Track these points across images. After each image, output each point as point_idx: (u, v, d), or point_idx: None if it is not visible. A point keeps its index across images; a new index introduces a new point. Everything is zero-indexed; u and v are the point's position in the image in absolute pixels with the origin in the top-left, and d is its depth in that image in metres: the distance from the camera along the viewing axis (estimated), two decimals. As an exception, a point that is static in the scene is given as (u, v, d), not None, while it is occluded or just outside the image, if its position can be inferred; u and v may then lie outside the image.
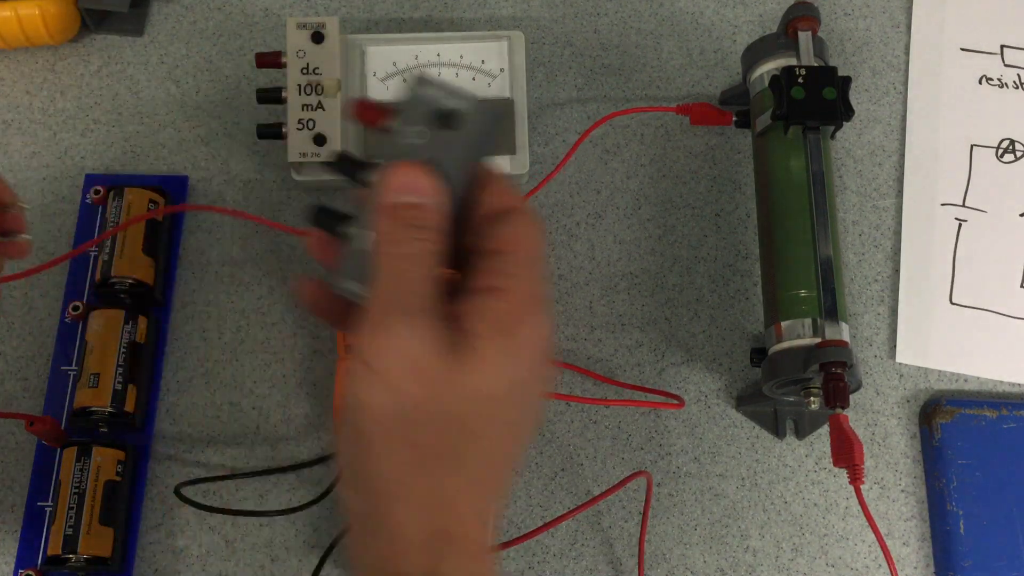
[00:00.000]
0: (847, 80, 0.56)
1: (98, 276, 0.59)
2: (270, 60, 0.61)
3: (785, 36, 0.59)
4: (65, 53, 0.67)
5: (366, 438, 0.29)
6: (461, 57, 0.64)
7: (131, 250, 0.59)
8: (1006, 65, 0.68)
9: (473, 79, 0.64)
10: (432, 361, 0.29)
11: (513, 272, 0.31)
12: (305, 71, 0.60)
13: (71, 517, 0.54)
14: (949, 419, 0.60)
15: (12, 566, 0.56)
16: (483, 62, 0.64)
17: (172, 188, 0.63)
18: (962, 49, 0.69)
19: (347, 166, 0.38)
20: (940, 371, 0.62)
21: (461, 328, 0.30)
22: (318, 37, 0.60)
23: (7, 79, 0.66)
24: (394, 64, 0.64)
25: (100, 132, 0.65)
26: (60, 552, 0.53)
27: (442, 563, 0.29)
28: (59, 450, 0.57)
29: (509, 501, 0.35)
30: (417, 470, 0.29)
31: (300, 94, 0.60)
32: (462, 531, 0.30)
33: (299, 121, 0.59)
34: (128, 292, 0.59)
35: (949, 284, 0.64)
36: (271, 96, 0.61)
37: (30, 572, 0.55)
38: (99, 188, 0.62)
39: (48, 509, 0.56)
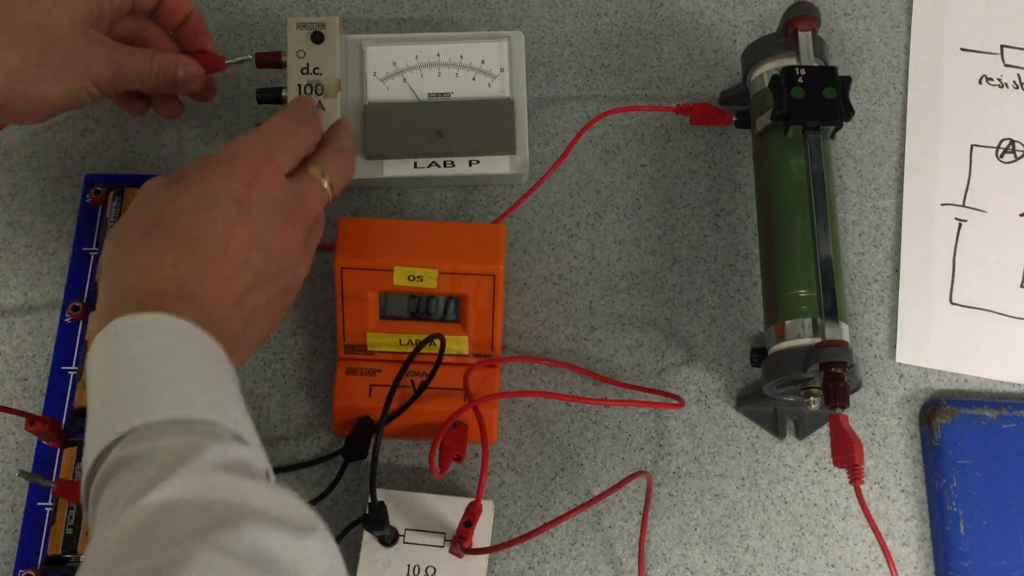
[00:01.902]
0: (847, 80, 0.56)
1: (98, 276, 0.59)
2: (270, 60, 0.61)
3: (785, 36, 0.59)
4: (65, 53, 0.67)
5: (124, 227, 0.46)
6: (461, 57, 0.64)
7: (131, 250, 0.59)
8: (1006, 65, 0.68)
9: (473, 79, 0.64)
10: (154, 191, 0.47)
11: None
12: (305, 71, 0.60)
13: (71, 517, 0.54)
14: (949, 419, 0.60)
15: (12, 566, 0.56)
16: (483, 62, 0.64)
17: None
18: (962, 49, 0.69)
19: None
20: (940, 371, 0.62)
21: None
22: (318, 37, 0.60)
23: (7, 79, 0.66)
24: (394, 64, 0.64)
25: (100, 132, 0.65)
26: (60, 552, 0.53)
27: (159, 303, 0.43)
28: (59, 450, 0.57)
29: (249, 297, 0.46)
30: (136, 246, 0.45)
31: (300, 94, 0.60)
32: (168, 287, 0.44)
33: (299, 121, 0.59)
34: None
35: (949, 284, 0.64)
36: (271, 96, 0.61)
37: (30, 572, 0.55)
38: (99, 188, 0.62)
39: (48, 509, 0.56)
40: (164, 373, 0.40)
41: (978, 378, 0.62)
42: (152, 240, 0.44)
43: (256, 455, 0.41)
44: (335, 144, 0.52)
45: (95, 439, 0.39)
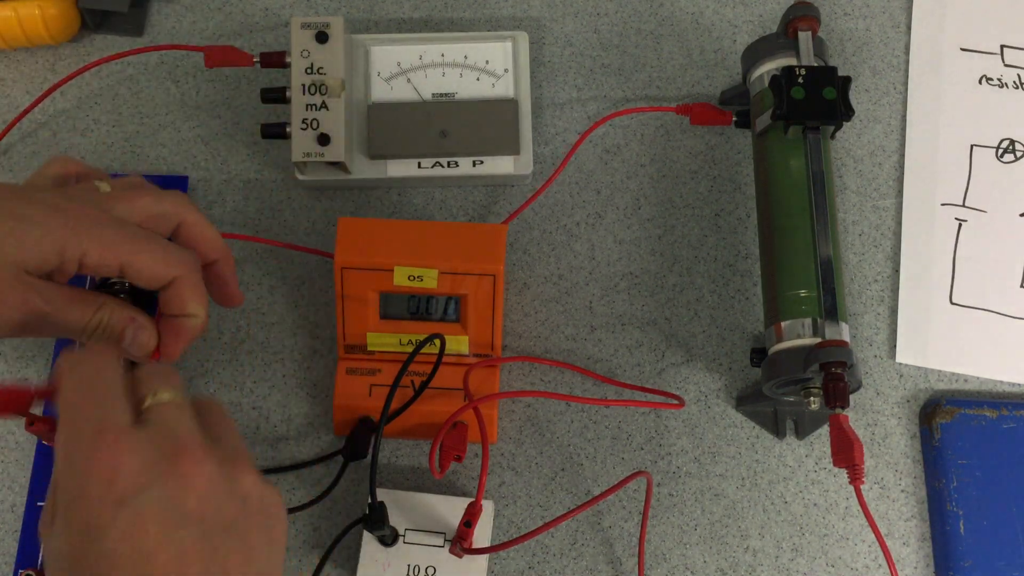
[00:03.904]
0: (847, 80, 0.57)
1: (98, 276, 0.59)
2: (274, 60, 0.61)
3: (785, 36, 0.59)
4: (65, 53, 0.67)
5: None
6: (465, 57, 0.64)
7: (131, 250, 0.59)
8: (1006, 65, 0.69)
9: (477, 79, 0.64)
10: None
11: None
12: (309, 71, 0.60)
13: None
14: (949, 419, 0.60)
15: (12, 566, 0.56)
16: (487, 62, 0.64)
17: (172, 188, 0.63)
18: (962, 49, 0.69)
19: None
20: (940, 371, 0.62)
21: None
22: (322, 37, 0.60)
23: (7, 79, 0.66)
24: (398, 64, 0.64)
25: (100, 132, 0.65)
26: (60, 552, 0.53)
27: None
28: (59, 450, 0.57)
29: None
30: None
31: (304, 94, 0.60)
32: None
33: (303, 121, 0.59)
34: (128, 292, 0.59)
35: (949, 284, 0.64)
36: (275, 96, 0.61)
37: (30, 572, 0.55)
38: (99, 188, 0.62)
39: (48, 509, 0.56)
40: None
41: (978, 378, 0.62)
42: None
43: None
44: (145, 365, 0.43)
45: None
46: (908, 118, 0.67)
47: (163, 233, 0.47)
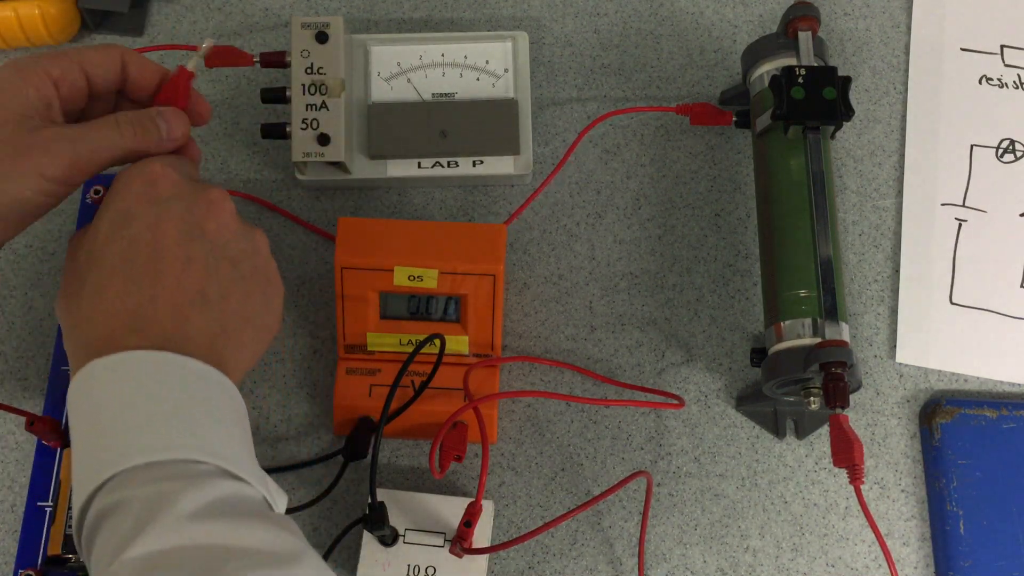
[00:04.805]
0: (847, 80, 0.56)
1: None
2: (274, 60, 0.61)
3: (785, 36, 0.59)
4: (65, 53, 0.67)
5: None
6: (465, 57, 0.64)
7: (131, 250, 0.59)
8: (1006, 65, 0.69)
9: (477, 79, 0.64)
10: (75, 241, 0.44)
11: None
12: (309, 71, 0.60)
13: (71, 517, 0.54)
14: (949, 419, 0.60)
15: (12, 566, 0.56)
16: (487, 62, 0.64)
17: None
18: (962, 49, 0.69)
19: None
20: (940, 371, 0.62)
21: None
22: (322, 37, 0.60)
23: (7, 79, 0.66)
24: (398, 64, 0.64)
25: (100, 132, 0.65)
26: (60, 552, 0.53)
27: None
28: (59, 450, 0.57)
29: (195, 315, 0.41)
30: (77, 295, 0.42)
31: (304, 94, 0.60)
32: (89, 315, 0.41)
33: (303, 121, 0.59)
34: None
35: (949, 284, 0.64)
36: (275, 96, 0.61)
37: (30, 572, 0.55)
38: (99, 188, 0.62)
39: (48, 509, 0.56)
40: (135, 415, 0.38)
41: (978, 378, 0.62)
42: (88, 282, 0.41)
43: (247, 486, 0.39)
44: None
45: (79, 491, 0.38)
46: (908, 118, 0.67)
47: (113, 80, 0.47)
